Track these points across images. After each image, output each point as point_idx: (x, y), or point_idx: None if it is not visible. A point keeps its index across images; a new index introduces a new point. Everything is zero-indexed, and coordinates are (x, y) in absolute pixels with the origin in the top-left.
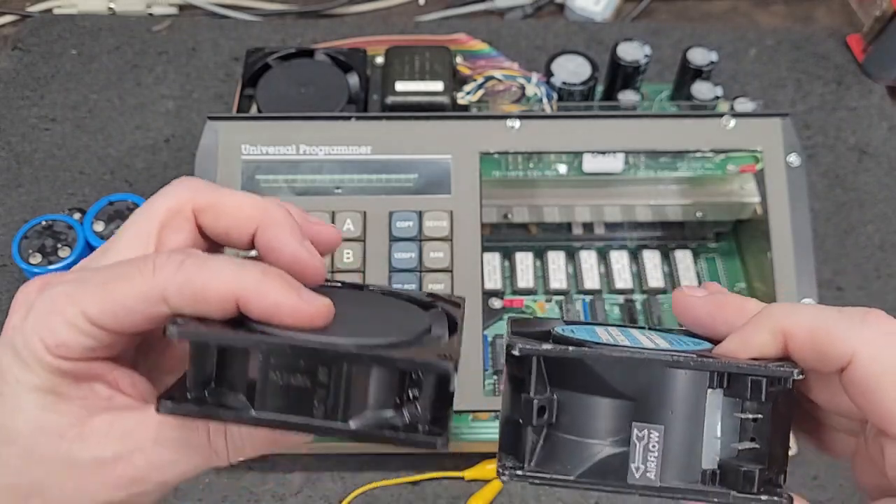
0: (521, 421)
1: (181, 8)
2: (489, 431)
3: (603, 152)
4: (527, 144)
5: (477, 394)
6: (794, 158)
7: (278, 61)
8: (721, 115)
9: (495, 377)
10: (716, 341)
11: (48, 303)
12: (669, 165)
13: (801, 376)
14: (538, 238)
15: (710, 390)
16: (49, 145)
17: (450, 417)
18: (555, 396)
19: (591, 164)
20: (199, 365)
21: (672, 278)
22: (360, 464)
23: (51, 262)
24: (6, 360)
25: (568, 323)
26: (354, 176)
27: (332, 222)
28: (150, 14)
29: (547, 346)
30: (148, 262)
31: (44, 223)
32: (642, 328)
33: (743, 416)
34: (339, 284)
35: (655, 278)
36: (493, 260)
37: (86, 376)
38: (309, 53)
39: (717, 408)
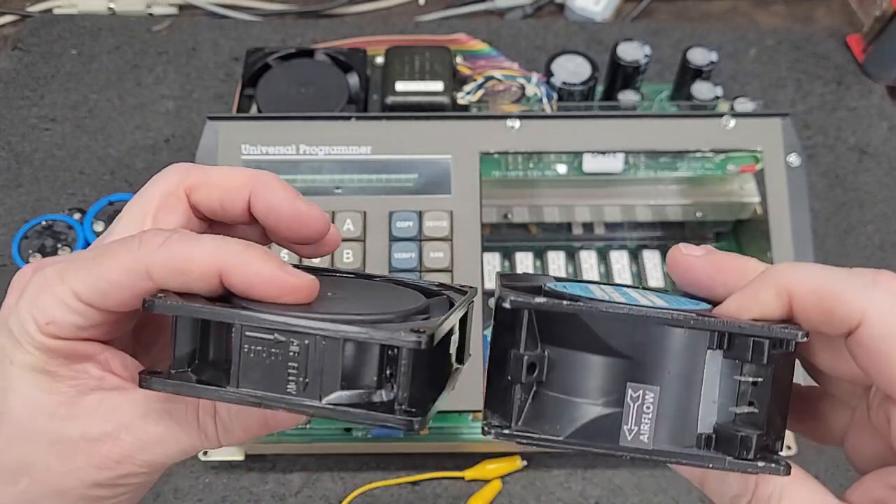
0: (509, 378)
1: (181, 8)
2: None
3: (603, 152)
4: (527, 144)
5: (477, 394)
6: (794, 158)
7: (278, 61)
8: (721, 115)
9: None
10: (714, 303)
11: (41, 282)
12: (669, 165)
13: (805, 338)
14: (538, 238)
15: (709, 351)
16: (49, 145)
17: (436, 399)
18: (546, 353)
19: (591, 164)
20: (180, 340)
21: (672, 278)
22: (360, 464)
23: None
24: (1, 341)
25: (559, 280)
26: (354, 176)
27: (332, 222)
28: (150, 14)
29: (540, 300)
30: (134, 238)
31: (44, 223)
32: (637, 287)
33: (743, 378)
34: (352, 275)
35: (655, 278)
36: (493, 260)
37: (77, 356)
38: (309, 53)
39: (715, 370)
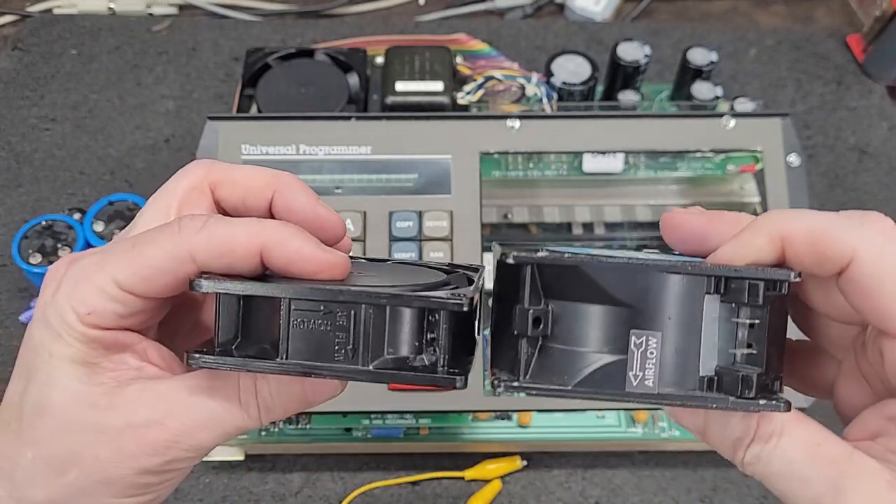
0: (515, 333)
1: (181, 8)
2: (489, 431)
3: (603, 152)
4: (527, 144)
5: (477, 394)
6: (794, 158)
7: (278, 61)
8: (721, 115)
9: None
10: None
11: (78, 273)
12: (669, 165)
13: (798, 278)
14: (538, 238)
15: (707, 296)
16: (49, 145)
17: (471, 362)
18: (549, 307)
19: (591, 164)
20: (223, 319)
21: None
22: (360, 464)
23: (51, 262)
24: (39, 336)
25: (554, 250)
26: (354, 176)
27: None
28: (150, 14)
29: (542, 254)
30: (173, 224)
31: (44, 223)
32: (631, 250)
33: (740, 321)
34: (364, 260)
35: None
36: (493, 260)
37: (116, 346)
38: (309, 53)
39: (714, 313)
